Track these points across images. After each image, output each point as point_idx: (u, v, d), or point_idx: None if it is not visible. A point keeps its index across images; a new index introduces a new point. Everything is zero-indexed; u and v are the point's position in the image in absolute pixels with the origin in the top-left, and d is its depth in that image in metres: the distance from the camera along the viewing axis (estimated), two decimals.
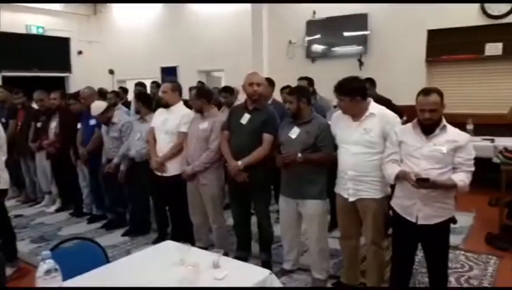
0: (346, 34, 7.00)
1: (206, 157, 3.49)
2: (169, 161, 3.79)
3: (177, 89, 3.88)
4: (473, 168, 2.42)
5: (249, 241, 3.66)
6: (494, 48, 6.04)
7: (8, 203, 5.65)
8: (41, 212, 5.38)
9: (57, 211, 5.39)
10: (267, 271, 1.97)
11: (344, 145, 2.87)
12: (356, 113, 2.80)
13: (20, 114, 5.65)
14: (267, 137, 3.21)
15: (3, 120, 5.75)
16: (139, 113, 4.27)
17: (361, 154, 2.76)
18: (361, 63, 6.88)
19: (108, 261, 2.29)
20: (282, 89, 4.64)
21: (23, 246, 4.20)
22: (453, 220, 2.54)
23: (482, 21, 6.05)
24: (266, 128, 3.22)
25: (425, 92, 2.44)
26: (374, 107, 2.82)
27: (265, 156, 3.21)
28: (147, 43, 9.72)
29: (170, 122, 3.78)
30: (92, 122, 4.64)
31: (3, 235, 3.62)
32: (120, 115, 4.57)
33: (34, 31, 9.60)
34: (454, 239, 3.87)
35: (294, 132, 3.05)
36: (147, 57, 9.65)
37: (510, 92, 6.06)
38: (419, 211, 2.49)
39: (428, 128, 2.46)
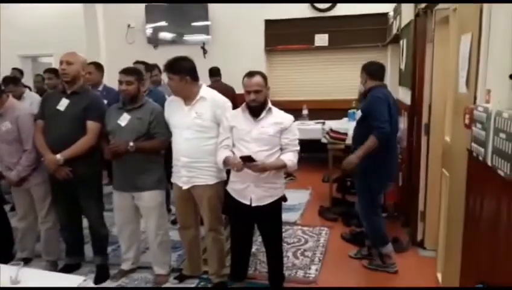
0: (188, 21, 6.87)
1: (27, 160, 2.96)
2: None
3: None
4: (298, 147, 2.54)
5: (81, 245, 3.26)
6: (321, 39, 6.66)
7: None
8: None
9: None
10: (80, 278, 1.69)
11: (177, 131, 2.72)
12: (187, 96, 2.68)
13: None
14: (91, 125, 2.85)
15: None
16: None
17: (194, 139, 2.65)
18: (205, 51, 6.85)
19: None
20: None
21: None
22: (283, 198, 2.62)
23: (311, 13, 6.58)
24: (90, 115, 2.85)
25: (250, 74, 2.47)
26: (205, 91, 2.73)
27: (91, 148, 2.86)
28: None
29: None
30: None
31: None
32: None
33: None
34: (292, 216, 4.16)
35: (124, 119, 2.77)
36: None
37: (337, 79, 6.79)
38: (252, 193, 2.50)
39: (256, 111, 2.48)
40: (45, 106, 2.92)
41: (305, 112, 6.24)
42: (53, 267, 3.20)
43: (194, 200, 2.78)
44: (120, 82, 2.76)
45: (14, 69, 6.15)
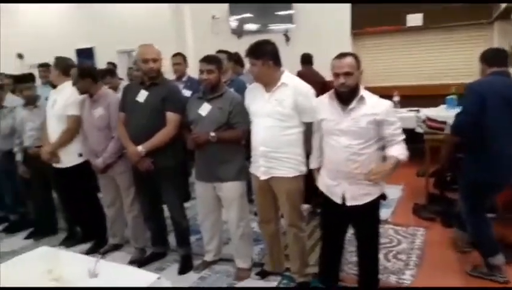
0: (271, 10, 6.72)
1: (114, 147, 3.06)
2: (62, 150, 3.30)
3: (61, 66, 3.36)
4: (403, 136, 2.26)
5: (164, 235, 3.30)
6: (414, 19, 6.06)
7: None
8: None
9: None
10: (154, 276, 1.62)
11: (256, 119, 2.59)
12: (268, 82, 2.51)
13: None
14: (171, 116, 2.82)
15: None
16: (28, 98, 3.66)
17: (273, 127, 2.49)
18: (287, 38, 6.64)
19: None
20: None
21: None
22: (383, 196, 2.35)
23: None
24: (169, 106, 2.82)
25: (340, 55, 2.21)
26: (287, 77, 2.54)
27: (172, 139, 2.84)
28: (60, 23, 8.79)
29: (58, 104, 3.29)
30: None
31: None
32: (10, 98, 3.97)
33: None
34: (383, 213, 3.75)
35: (205, 109, 2.71)
36: (61, 38, 8.71)
37: (432, 63, 6.16)
38: (346, 191, 2.28)
39: (345, 98, 2.22)
40: (125, 98, 2.96)
41: (396, 98, 5.73)
42: (141, 254, 3.29)
43: (273, 192, 2.63)
44: (201, 71, 2.69)
45: (108, 63, 6.57)
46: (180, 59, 4.19)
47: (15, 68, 8.78)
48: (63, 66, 3.38)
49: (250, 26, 7.02)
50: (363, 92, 2.23)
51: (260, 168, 2.58)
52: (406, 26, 6.12)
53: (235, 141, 2.72)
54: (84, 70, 3.11)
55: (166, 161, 2.86)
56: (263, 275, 2.88)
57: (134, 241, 3.29)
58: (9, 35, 9.39)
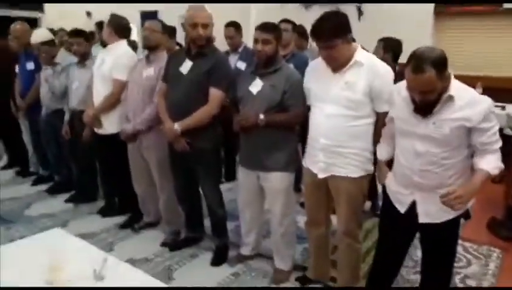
0: None
1: (150, 113, 2.77)
2: (105, 116, 3.09)
3: (113, 23, 3.09)
4: (499, 144, 1.75)
5: (200, 219, 3.03)
6: None
7: None
8: None
9: (3, 168, 4.72)
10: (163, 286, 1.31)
11: (318, 104, 2.16)
12: (338, 62, 2.05)
13: None
14: (214, 93, 2.48)
15: None
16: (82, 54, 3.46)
17: (338, 116, 2.05)
18: (360, 13, 6.00)
19: None
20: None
21: None
22: (467, 214, 1.88)
23: None
24: (213, 81, 2.47)
25: (415, 67, 1.63)
26: (361, 54, 2.07)
27: (213, 118, 2.51)
28: None
29: (105, 65, 3.04)
30: (30, 66, 3.88)
31: None
32: (66, 56, 3.79)
33: None
34: None
35: (256, 85, 2.33)
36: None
37: None
38: (419, 204, 1.85)
39: (426, 111, 1.75)
40: (169, 68, 2.64)
41: (478, 90, 5.00)
42: (175, 235, 3.07)
43: (328, 192, 2.23)
44: (256, 40, 2.29)
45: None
46: (231, 31, 3.79)
47: (83, 26, 8.86)
48: (116, 24, 3.12)
49: None
50: (453, 88, 1.72)
51: (318, 164, 2.17)
52: (502, 7, 5.26)
53: (287, 126, 2.33)
54: (166, 27, 2.98)
55: (203, 143, 2.55)
56: (304, 281, 2.53)
57: (167, 223, 3.06)
58: None
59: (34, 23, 9.26)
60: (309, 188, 2.32)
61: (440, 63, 1.63)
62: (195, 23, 2.44)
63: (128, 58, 3.05)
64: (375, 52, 3.33)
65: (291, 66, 2.49)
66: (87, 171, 3.73)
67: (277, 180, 2.38)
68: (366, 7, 5.97)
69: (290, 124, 2.33)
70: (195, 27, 2.44)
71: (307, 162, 2.27)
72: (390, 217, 1.99)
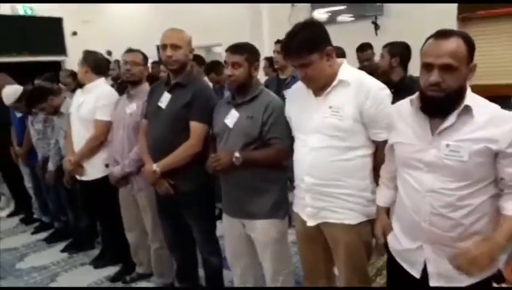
0: None
1: (137, 154, 2.48)
2: (87, 161, 2.82)
3: (89, 61, 2.86)
4: None
5: (194, 269, 2.65)
6: None
7: None
8: None
9: (10, 215, 4.59)
10: None
11: (300, 136, 1.78)
12: (320, 83, 1.68)
13: None
14: (195, 127, 2.16)
15: None
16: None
17: (324, 149, 1.67)
18: (377, 27, 5.58)
19: None
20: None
21: None
22: (498, 277, 1.42)
23: None
24: (194, 114, 2.16)
25: (441, 33, 1.30)
26: (347, 71, 1.70)
27: (195, 156, 2.16)
28: (142, 20, 8.80)
29: (85, 106, 2.79)
30: (19, 114, 3.73)
31: None
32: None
33: (21, 12, 8.87)
34: None
35: (232, 117, 1.98)
36: (143, 35, 8.68)
37: None
38: (430, 262, 1.40)
39: (437, 109, 1.33)
40: (149, 102, 2.36)
41: None
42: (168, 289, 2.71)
43: (325, 241, 1.81)
44: (225, 63, 1.97)
45: None
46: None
47: None
48: (91, 61, 2.89)
49: (331, 14, 6.09)
50: (470, 98, 1.31)
51: (306, 209, 1.78)
52: None
53: (269, 164, 1.94)
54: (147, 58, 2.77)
55: (187, 185, 2.22)
56: None
57: (159, 275, 2.73)
58: (99, 33, 9.70)
59: (57, 66, 9.51)
60: (301, 237, 1.91)
61: (471, 42, 1.30)
62: (164, 44, 2.17)
63: (109, 96, 2.81)
64: (381, 61, 2.95)
65: (269, 91, 2.10)
66: (83, 218, 3.47)
67: (264, 230, 1.98)
68: (382, 21, 5.54)
69: (272, 162, 1.94)
70: (164, 49, 2.16)
71: (296, 206, 1.88)
72: (399, 281, 1.54)
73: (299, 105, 1.79)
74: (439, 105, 1.31)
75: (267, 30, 6.70)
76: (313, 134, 1.69)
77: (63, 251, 3.55)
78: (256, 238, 2.04)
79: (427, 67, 1.31)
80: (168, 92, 2.23)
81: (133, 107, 2.55)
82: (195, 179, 2.22)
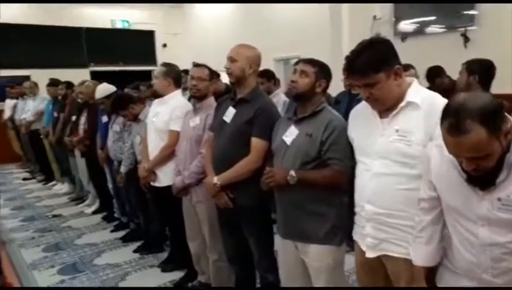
0: (446, 8, 5.31)
1: (197, 165, 2.55)
2: (160, 168, 2.95)
3: (171, 74, 3.00)
4: None
5: (252, 281, 2.63)
6: None
7: (60, 200, 5.59)
8: (79, 213, 5.03)
9: (94, 212, 4.99)
10: None
11: (362, 159, 1.68)
12: (385, 103, 1.57)
13: (66, 107, 5.41)
14: (255, 143, 2.16)
15: (55, 114, 5.63)
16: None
17: (389, 176, 1.56)
18: (466, 39, 5.14)
19: None
20: None
21: (31, 255, 3.81)
22: None
23: None
24: (255, 130, 2.16)
25: (452, 127, 1.12)
26: (417, 91, 1.57)
27: (255, 171, 2.15)
28: (227, 33, 9.12)
29: (161, 116, 2.94)
30: (104, 118, 4.05)
31: None
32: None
33: (119, 26, 9.72)
34: None
35: (291, 134, 1.93)
36: (227, 48, 9.01)
37: None
38: None
39: (482, 181, 1.19)
40: (216, 115, 2.42)
41: None
42: None
43: (387, 273, 1.68)
44: (294, 70, 1.95)
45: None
46: None
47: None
48: (174, 74, 3.04)
49: (416, 26, 5.78)
50: None
51: (366, 239, 1.67)
52: None
53: (325, 186, 1.86)
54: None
55: (245, 200, 2.22)
56: None
57: (218, 285, 2.73)
58: (186, 45, 10.25)
59: (148, 75, 10.23)
60: (360, 267, 1.79)
61: (491, 115, 1.09)
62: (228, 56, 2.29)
63: (183, 108, 2.91)
64: (459, 78, 2.71)
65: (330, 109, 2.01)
66: (153, 221, 3.65)
67: (317, 255, 1.90)
68: (473, 34, 5.08)
69: (330, 184, 1.85)
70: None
71: (356, 234, 1.77)
72: None
73: (363, 126, 1.69)
74: (487, 177, 1.17)
75: (347, 45, 6.52)
76: (377, 159, 1.58)
77: (135, 251, 3.76)
78: (309, 264, 1.96)
79: (456, 155, 1.20)
80: (233, 106, 2.26)
81: (196, 121, 2.64)
82: (253, 194, 2.20)
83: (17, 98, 7.12)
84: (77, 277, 3.34)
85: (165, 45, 10.39)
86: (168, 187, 2.89)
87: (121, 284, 3.19)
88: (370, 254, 1.65)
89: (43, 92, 6.50)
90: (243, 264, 2.55)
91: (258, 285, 2.63)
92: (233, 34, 8.87)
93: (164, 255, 3.58)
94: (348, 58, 1.59)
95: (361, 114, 1.72)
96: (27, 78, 7.71)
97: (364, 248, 1.68)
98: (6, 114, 7.38)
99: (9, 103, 7.32)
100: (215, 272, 2.74)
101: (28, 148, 7.01)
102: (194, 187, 2.62)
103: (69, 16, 8.93)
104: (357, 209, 1.72)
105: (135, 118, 3.50)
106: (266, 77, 4.08)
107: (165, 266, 3.38)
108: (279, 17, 7.84)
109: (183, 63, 9.82)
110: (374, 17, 6.18)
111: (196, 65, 2.75)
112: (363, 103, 1.72)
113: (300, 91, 1.89)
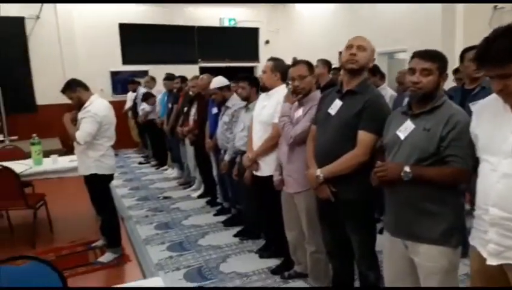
0: None
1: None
2: (262, 158, 3.05)
3: (279, 68, 3.06)
4: None
5: (350, 278, 2.59)
6: None
7: (170, 183, 6.09)
8: (186, 197, 5.43)
9: (199, 197, 5.34)
10: None
11: (488, 158, 1.54)
12: None
13: (180, 99, 5.87)
14: (362, 136, 2.12)
15: (170, 105, 6.14)
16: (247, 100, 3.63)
17: None
18: None
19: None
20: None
21: (145, 231, 4.22)
22: None
23: None
24: (363, 123, 2.12)
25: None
26: None
27: (361, 165, 2.11)
28: (327, 27, 9.03)
29: (266, 110, 3.04)
30: (214, 110, 4.30)
31: (107, 221, 3.59)
32: (236, 99, 4.04)
33: (226, 24, 10.18)
34: None
35: (406, 129, 1.85)
36: (326, 42, 8.93)
37: None
38: None
39: None
40: (320, 108, 2.42)
41: None
42: None
43: (508, 285, 1.53)
44: (411, 70, 1.82)
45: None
46: None
47: None
48: (282, 69, 3.10)
49: None
50: None
51: (488, 245, 1.53)
52: None
53: (442, 185, 1.75)
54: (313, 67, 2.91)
55: (348, 194, 2.20)
56: None
57: (313, 278, 2.77)
58: (287, 42, 10.36)
59: (251, 71, 10.59)
60: (477, 276, 1.65)
61: None
62: (350, 44, 2.22)
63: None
64: None
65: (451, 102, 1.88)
66: (252, 208, 3.79)
67: (429, 256, 1.80)
68: None
69: (447, 183, 1.73)
70: (349, 48, 2.22)
71: (474, 239, 1.64)
72: None
73: (491, 122, 1.55)
74: None
75: (461, 38, 5.99)
76: (507, 158, 1.45)
77: (235, 235, 3.95)
78: (419, 264, 1.86)
79: None
80: (340, 99, 2.24)
81: (299, 113, 2.66)
82: (357, 189, 2.18)
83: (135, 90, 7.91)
84: (183, 254, 3.62)
85: (267, 42, 10.62)
86: (269, 177, 2.99)
87: (222, 266, 3.37)
88: (492, 262, 1.52)
89: (159, 86, 7.14)
90: (342, 259, 2.53)
91: (356, 280, 2.58)
92: (333, 30, 8.76)
93: (262, 242, 3.70)
94: (481, 45, 1.46)
95: (490, 108, 1.57)
96: (145, 73, 8.54)
97: (485, 255, 1.55)
98: (127, 105, 8.24)
99: (130, 95, 8.15)
100: (312, 264, 2.76)
101: (144, 136, 7.77)
102: (294, 178, 2.66)
103: (183, 15, 9.62)
104: (478, 213, 1.59)
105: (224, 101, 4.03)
106: (371, 71, 3.95)
107: (263, 253, 3.49)
108: (381, 12, 7.51)
109: (284, 59, 10.03)
110: (495, 6, 5.59)
111: (293, 64, 2.76)
112: (491, 96, 1.58)
113: (426, 92, 1.79)
